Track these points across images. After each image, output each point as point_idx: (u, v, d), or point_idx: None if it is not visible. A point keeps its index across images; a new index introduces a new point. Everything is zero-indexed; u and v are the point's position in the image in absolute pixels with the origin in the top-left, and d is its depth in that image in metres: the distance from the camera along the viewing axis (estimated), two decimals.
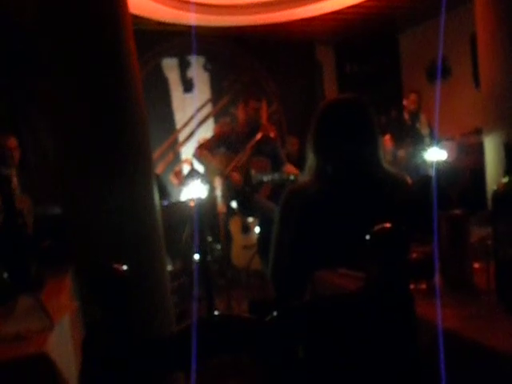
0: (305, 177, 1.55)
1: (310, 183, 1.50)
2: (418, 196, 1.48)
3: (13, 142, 3.61)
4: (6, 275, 1.33)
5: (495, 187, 0.96)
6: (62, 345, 1.21)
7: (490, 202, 0.97)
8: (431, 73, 6.10)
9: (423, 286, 1.09)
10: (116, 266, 0.74)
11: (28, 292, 1.26)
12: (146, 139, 2.22)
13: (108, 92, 2.08)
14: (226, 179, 3.55)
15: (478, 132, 3.90)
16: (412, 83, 6.21)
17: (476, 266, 1.12)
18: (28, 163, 3.74)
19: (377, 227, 0.80)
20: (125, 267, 0.78)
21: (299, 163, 3.90)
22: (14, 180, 3.48)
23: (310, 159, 1.51)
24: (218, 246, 3.87)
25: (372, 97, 1.60)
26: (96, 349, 0.72)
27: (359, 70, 6.48)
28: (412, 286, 1.08)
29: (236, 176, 3.56)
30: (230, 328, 0.68)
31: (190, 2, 3.94)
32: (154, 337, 0.74)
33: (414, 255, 1.10)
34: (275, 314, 0.70)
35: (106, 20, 2.08)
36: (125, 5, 2.17)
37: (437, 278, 1.05)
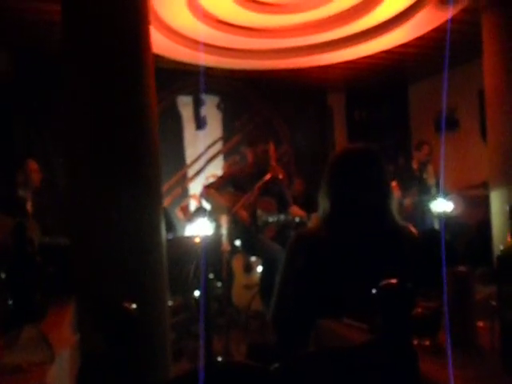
0: (314, 221, 1.56)
1: (320, 229, 1.51)
2: (423, 250, 1.48)
3: (33, 165, 3.73)
4: (10, 302, 1.33)
5: (501, 247, 0.97)
6: (61, 378, 1.20)
7: (495, 262, 0.98)
8: (439, 124, 6.19)
9: (426, 343, 1.08)
10: (126, 304, 0.75)
11: (31, 321, 1.26)
12: (158, 173, 2.27)
13: (125, 124, 2.15)
14: (233, 217, 3.56)
15: (485, 185, 3.92)
16: (420, 133, 6.30)
17: (480, 324, 1.12)
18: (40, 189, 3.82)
19: (384, 282, 0.81)
20: (134, 306, 0.79)
21: (305, 205, 3.92)
22: (29, 204, 3.54)
23: (322, 205, 1.53)
24: (219, 284, 3.84)
25: (380, 144, 1.66)
26: (92, 380, 0.73)
27: (368, 117, 6.61)
28: (415, 342, 1.07)
29: (244, 214, 3.58)
30: (234, 376, 0.68)
31: (208, 45, 4.10)
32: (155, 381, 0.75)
33: (419, 310, 1.10)
34: (280, 363, 0.71)
35: (129, 57, 2.18)
36: (149, 44, 2.27)
37: (447, 338, 1.03)
